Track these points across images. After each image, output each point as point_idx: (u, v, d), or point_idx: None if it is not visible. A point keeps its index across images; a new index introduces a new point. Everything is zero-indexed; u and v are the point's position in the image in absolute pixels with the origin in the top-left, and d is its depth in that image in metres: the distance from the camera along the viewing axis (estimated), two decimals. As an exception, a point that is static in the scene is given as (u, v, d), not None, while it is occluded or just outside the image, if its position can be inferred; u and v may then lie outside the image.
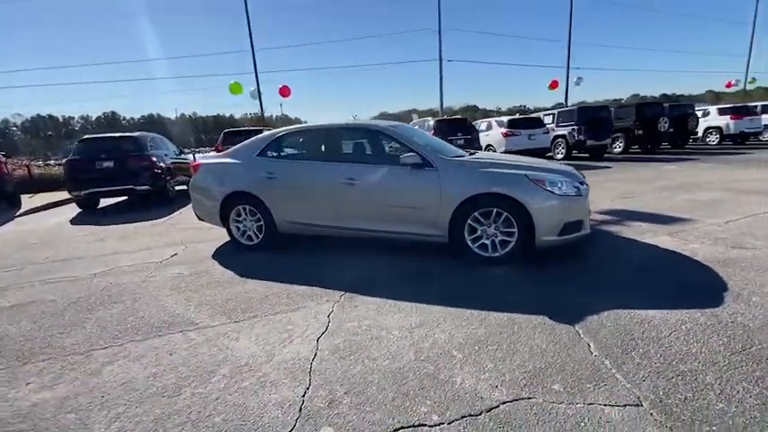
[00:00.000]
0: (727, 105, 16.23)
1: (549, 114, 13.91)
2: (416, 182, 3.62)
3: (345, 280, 3.32)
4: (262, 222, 4.25)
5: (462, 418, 1.69)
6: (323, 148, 4.20)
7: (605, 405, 1.71)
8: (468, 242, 3.53)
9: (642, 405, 1.70)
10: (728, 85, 26.92)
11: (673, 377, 1.87)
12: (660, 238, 4.09)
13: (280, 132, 4.41)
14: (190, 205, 4.95)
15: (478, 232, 3.51)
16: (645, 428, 1.58)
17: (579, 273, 3.27)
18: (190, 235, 5.32)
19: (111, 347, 2.47)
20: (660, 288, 2.88)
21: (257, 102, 16.65)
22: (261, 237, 4.30)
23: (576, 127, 12.69)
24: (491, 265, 3.45)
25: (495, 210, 3.40)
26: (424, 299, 2.86)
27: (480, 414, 1.70)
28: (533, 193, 3.30)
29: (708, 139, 15.97)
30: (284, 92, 16.76)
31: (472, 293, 2.95)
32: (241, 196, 4.24)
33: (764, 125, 15.62)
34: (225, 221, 4.39)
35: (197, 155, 10.07)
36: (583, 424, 1.61)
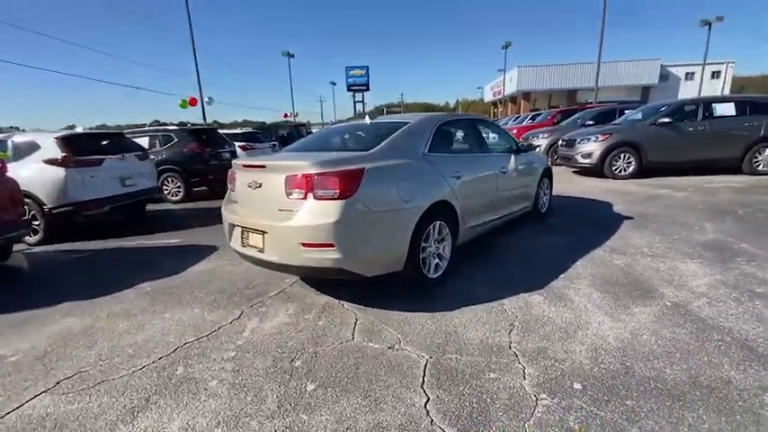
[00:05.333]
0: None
1: (240, 132, 14.20)
2: (527, 164, 4.51)
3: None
4: (448, 240, 3.21)
5: None
6: (472, 138, 3.82)
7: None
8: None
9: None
10: (285, 116, 37.17)
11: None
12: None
13: (439, 121, 3.38)
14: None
15: (542, 195, 5.05)
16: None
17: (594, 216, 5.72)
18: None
19: None
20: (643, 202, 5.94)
21: None
22: (448, 260, 3.22)
23: (274, 143, 14.20)
24: (549, 217, 5.15)
25: (545, 178, 5.09)
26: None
27: None
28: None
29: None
30: None
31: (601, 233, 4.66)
32: (434, 209, 2.96)
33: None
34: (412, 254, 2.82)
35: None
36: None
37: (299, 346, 2.38)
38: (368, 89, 55.98)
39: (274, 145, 13.65)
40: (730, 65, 36.05)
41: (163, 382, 2.09)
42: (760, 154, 7.55)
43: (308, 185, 2.46)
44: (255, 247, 2.75)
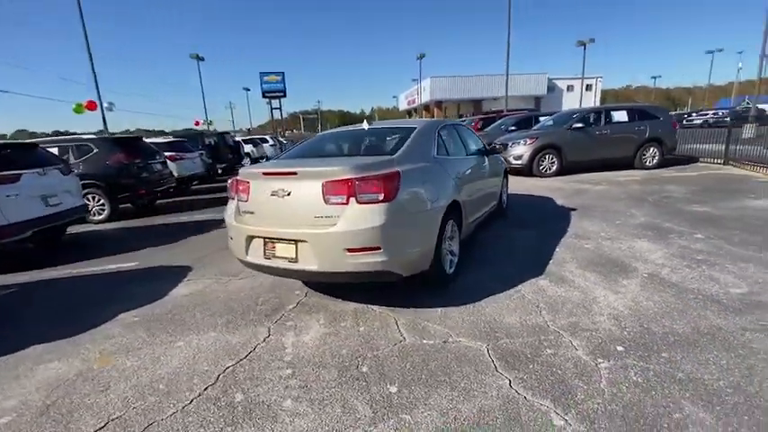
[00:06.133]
0: (246, 137, 22.19)
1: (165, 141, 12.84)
2: (496, 164, 4.96)
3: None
4: (457, 237, 3.42)
5: (663, 221, 4.71)
6: (460, 142, 4.03)
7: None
8: (502, 202, 5.52)
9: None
10: (197, 124, 34.16)
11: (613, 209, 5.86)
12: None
13: (438, 126, 3.56)
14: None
15: (504, 193, 5.58)
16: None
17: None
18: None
19: None
20: (582, 197, 6.73)
21: None
22: (457, 255, 3.43)
23: (201, 152, 13.16)
24: (510, 213, 5.71)
25: (504, 178, 5.63)
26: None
27: (658, 219, 4.81)
28: None
29: (244, 161, 21.24)
30: None
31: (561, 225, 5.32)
32: (449, 209, 3.13)
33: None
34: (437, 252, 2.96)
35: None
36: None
37: (354, 353, 2.35)
38: (284, 95, 53.97)
39: (201, 154, 12.60)
40: (599, 79, 43.32)
41: (227, 412, 1.90)
42: (646, 152, 9.30)
43: (350, 190, 2.44)
44: (285, 257, 2.62)
